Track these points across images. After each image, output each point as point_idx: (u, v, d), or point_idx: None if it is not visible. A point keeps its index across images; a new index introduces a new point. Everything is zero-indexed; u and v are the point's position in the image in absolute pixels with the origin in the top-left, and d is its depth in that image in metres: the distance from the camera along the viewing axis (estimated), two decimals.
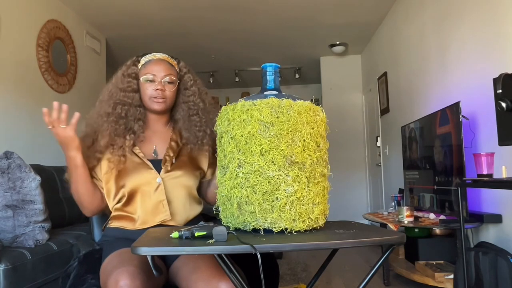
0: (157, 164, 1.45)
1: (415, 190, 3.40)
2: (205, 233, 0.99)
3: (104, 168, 1.44)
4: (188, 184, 1.47)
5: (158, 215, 1.40)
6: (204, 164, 1.55)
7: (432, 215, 2.89)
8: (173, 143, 1.50)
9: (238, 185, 1.05)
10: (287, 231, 1.03)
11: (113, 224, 1.46)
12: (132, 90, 1.46)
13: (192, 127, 1.50)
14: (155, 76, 1.44)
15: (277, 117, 1.04)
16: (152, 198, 1.41)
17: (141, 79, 1.46)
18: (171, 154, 1.47)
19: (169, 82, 1.46)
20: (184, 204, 1.45)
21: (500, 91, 1.81)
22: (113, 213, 1.45)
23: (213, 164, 1.54)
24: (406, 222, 2.86)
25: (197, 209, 1.50)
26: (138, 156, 1.45)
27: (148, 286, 1.16)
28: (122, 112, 1.44)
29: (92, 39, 4.70)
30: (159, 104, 1.45)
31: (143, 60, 1.49)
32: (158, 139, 1.51)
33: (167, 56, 1.51)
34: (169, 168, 1.44)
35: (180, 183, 1.45)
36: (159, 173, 1.43)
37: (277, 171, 1.02)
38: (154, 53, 1.50)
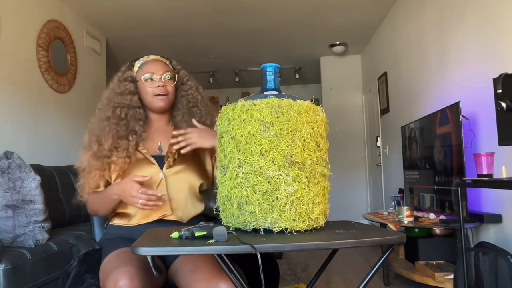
0: (160, 160, 1.48)
1: (415, 190, 3.40)
2: (205, 233, 0.99)
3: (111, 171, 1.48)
4: (191, 180, 1.49)
5: (158, 210, 1.41)
6: (208, 165, 1.58)
7: (432, 215, 2.89)
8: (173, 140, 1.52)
9: (238, 185, 1.05)
10: (287, 231, 1.03)
11: (115, 221, 1.48)
12: (130, 93, 1.50)
13: (192, 118, 1.54)
14: (154, 74, 1.50)
15: (277, 117, 1.04)
16: None
17: (142, 78, 1.50)
18: (173, 151, 1.50)
19: (168, 78, 1.52)
20: (186, 199, 1.47)
21: (500, 91, 1.81)
22: (117, 210, 1.47)
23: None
24: (406, 222, 2.86)
25: (198, 208, 1.51)
26: (141, 153, 1.48)
27: (148, 286, 1.16)
28: (122, 113, 1.48)
29: (92, 39, 4.70)
30: (163, 100, 1.50)
31: (138, 63, 1.55)
32: (162, 136, 1.55)
33: (159, 56, 1.57)
34: (171, 163, 1.47)
35: (183, 178, 1.47)
36: (162, 168, 1.46)
37: (277, 171, 1.02)
38: (147, 56, 1.56)
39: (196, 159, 1.54)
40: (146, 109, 1.56)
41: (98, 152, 1.45)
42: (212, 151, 1.56)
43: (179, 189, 1.46)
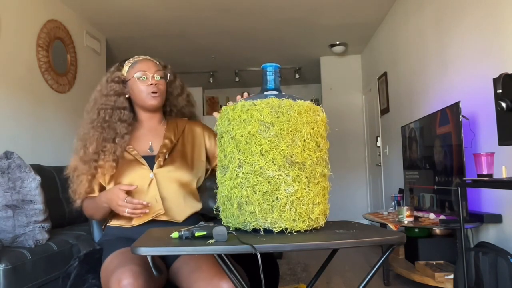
0: (151, 160, 1.47)
1: (415, 190, 3.40)
2: (205, 233, 0.99)
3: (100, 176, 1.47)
4: (182, 180, 1.47)
5: (151, 210, 1.40)
6: (203, 155, 1.57)
7: (432, 215, 2.89)
8: (166, 141, 1.52)
9: (238, 185, 1.05)
10: (287, 231, 1.03)
11: (113, 222, 1.48)
12: (115, 94, 1.50)
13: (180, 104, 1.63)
14: (146, 72, 1.49)
15: (277, 117, 1.04)
16: (146, 193, 1.42)
17: (134, 76, 1.49)
18: (164, 151, 1.49)
19: (160, 77, 1.52)
20: (178, 199, 1.45)
21: (500, 91, 1.81)
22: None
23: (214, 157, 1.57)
24: (406, 222, 2.86)
25: (194, 206, 1.50)
26: (131, 154, 1.47)
27: (150, 285, 1.16)
28: (106, 116, 1.48)
29: (92, 39, 4.70)
30: (155, 99, 1.50)
31: (128, 63, 1.54)
32: (153, 136, 1.55)
33: (149, 57, 1.58)
34: (161, 163, 1.46)
35: (174, 177, 1.46)
36: (152, 168, 1.45)
37: (277, 171, 1.02)
38: (137, 56, 1.57)
39: (187, 158, 1.53)
40: (137, 109, 1.55)
41: (85, 156, 1.44)
42: (209, 134, 1.60)
43: (171, 188, 1.45)
